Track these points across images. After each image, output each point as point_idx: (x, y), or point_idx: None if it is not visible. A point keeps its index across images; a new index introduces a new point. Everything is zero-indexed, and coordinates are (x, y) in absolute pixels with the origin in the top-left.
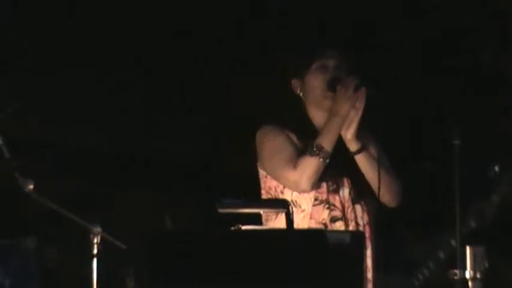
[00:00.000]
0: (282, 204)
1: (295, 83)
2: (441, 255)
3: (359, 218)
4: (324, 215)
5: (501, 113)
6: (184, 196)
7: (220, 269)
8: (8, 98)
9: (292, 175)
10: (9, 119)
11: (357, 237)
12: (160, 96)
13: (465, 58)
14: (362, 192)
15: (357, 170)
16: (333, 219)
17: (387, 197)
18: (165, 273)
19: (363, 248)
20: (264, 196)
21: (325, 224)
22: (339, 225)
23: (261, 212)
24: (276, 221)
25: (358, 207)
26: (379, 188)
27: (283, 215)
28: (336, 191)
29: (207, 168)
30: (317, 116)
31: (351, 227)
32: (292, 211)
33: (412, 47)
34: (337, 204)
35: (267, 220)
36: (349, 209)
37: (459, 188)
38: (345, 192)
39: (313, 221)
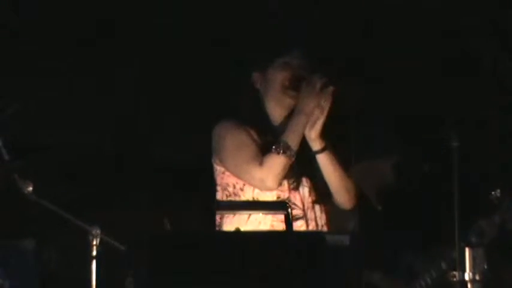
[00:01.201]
0: (281, 206)
1: (256, 76)
2: (443, 265)
3: (318, 217)
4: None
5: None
6: (183, 198)
7: (219, 271)
8: (7, 99)
9: (258, 172)
10: (8, 120)
11: (356, 239)
12: (158, 98)
13: (465, 59)
14: (322, 192)
15: (316, 169)
16: (294, 218)
17: (346, 197)
18: (164, 275)
19: (362, 250)
20: (221, 193)
21: None
22: (300, 224)
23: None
24: (234, 221)
25: (317, 207)
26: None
27: (241, 215)
28: (296, 190)
29: (206, 170)
30: (275, 112)
31: (311, 227)
32: (292, 213)
33: (411, 48)
34: (298, 203)
35: (221, 218)
36: (309, 209)
37: (458, 190)
38: (305, 191)
39: (275, 219)
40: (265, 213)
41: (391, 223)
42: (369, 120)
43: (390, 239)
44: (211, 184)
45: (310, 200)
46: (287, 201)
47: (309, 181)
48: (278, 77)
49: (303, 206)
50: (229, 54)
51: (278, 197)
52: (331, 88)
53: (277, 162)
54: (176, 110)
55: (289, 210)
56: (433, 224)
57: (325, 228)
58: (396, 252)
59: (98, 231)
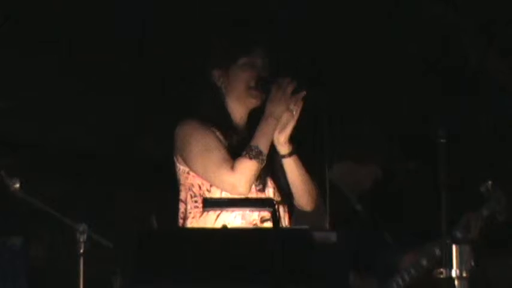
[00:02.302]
0: (267, 204)
1: (217, 73)
2: (424, 263)
3: (282, 218)
4: (254, 215)
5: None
6: (170, 195)
7: (206, 268)
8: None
9: (230, 177)
10: None
11: (343, 236)
12: (146, 96)
13: (451, 57)
14: (285, 193)
15: (278, 170)
16: (262, 220)
17: (308, 200)
18: (151, 272)
19: (350, 247)
20: (184, 193)
21: (255, 225)
22: (268, 226)
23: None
24: (200, 221)
25: (280, 207)
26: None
27: (209, 213)
28: (262, 191)
29: None
30: (236, 110)
31: None
32: (279, 210)
33: (397, 47)
34: None
35: (184, 219)
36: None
37: (445, 187)
38: (270, 192)
39: (244, 221)
40: (252, 210)
41: (371, 221)
42: (353, 119)
43: (368, 238)
44: None
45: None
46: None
47: (273, 182)
48: (242, 76)
49: None
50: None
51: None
52: (302, 92)
53: (249, 167)
54: (161, 109)
55: (276, 207)
56: (416, 221)
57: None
58: (373, 251)
59: (85, 228)
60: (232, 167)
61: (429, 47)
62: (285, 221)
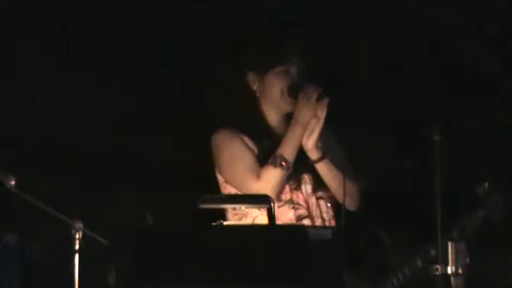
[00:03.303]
0: (263, 200)
1: (252, 77)
2: (419, 263)
3: (324, 213)
4: (289, 215)
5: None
6: (166, 192)
7: (202, 265)
8: None
9: (255, 185)
10: None
11: (338, 232)
12: (145, 95)
13: (446, 55)
14: (323, 186)
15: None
16: (299, 218)
17: (347, 201)
18: (146, 269)
19: (344, 243)
20: None
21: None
22: (306, 223)
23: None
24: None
25: (322, 202)
26: (344, 195)
27: (249, 216)
28: (299, 189)
29: (189, 166)
30: (271, 115)
31: (317, 224)
32: (274, 206)
33: (392, 44)
34: (301, 202)
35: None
36: (314, 206)
37: (440, 184)
38: (307, 188)
39: (279, 222)
40: (248, 207)
41: (367, 220)
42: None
43: (362, 236)
44: (193, 180)
45: (314, 197)
46: (291, 202)
47: (310, 177)
48: (277, 84)
49: (307, 204)
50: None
51: (280, 200)
52: (327, 99)
53: (274, 175)
54: (161, 109)
55: (272, 204)
56: (411, 220)
57: (332, 223)
58: (368, 250)
59: (81, 225)
60: (258, 175)
61: (425, 46)
62: (328, 216)
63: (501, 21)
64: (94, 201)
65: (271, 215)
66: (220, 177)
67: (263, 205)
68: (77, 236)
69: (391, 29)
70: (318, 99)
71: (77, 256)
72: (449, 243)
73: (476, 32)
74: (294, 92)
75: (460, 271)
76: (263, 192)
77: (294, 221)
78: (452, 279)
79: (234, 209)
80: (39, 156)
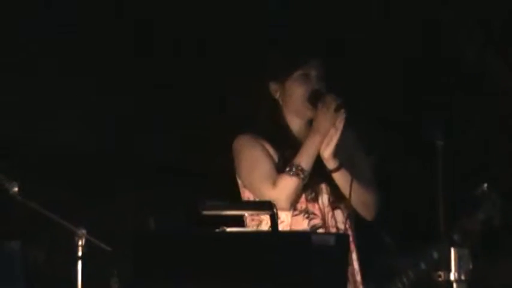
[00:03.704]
0: (266, 206)
1: (273, 86)
2: (422, 266)
3: (340, 223)
4: (304, 224)
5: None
6: (169, 198)
7: (204, 271)
8: None
9: (271, 193)
10: None
11: (341, 239)
12: (146, 98)
13: (449, 57)
14: (340, 196)
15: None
16: (314, 228)
17: (363, 210)
18: (150, 275)
19: (347, 250)
20: None
21: None
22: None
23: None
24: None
25: (338, 212)
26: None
27: (264, 223)
28: (315, 199)
29: (192, 170)
30: (294, 123)
31: None
32: (277, 213)
33: (394, 46)
34: (317, 212)
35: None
36: (329, 215)
37: (442, 189)
38: (324, 199)
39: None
40: (251, 214)
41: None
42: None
43: (366, 240)
44: (196, 184)
45: (330, 207)
46: (306, 212)
47: (327, 187)
48: (298, 89)
49: (322, 214)
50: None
51: (295, 209)
52: (344, 109)
53: (289, 184)
54: (163, 110)
55: (275, 210)
56: (414, 224)
57: (349, 232)
58: (372, 253)
59: (84, 232)
60: (274, 183)
61: (428, 45)
62: (344, 225)
63: (503, 21)
64: (97, 207)
65: (274, 222)
66: (239, 182)
67: (266, 212)
68: (80, 243)
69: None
70: (337, 109)
71: (80, 263)
72: (452, 249)
73: (479, 31)
74: (314, 98)
75: (462, 277)
76: (278, 200)
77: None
78: (455, 285)
79: (252, 214)
80: (42, 163)
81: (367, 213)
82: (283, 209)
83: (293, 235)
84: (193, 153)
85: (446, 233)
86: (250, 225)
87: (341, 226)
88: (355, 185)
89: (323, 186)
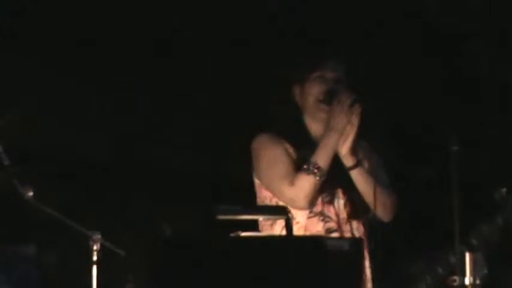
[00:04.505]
0: (281, 211)
1: (295, 89)
2: (439, 270)
3: (354, 229)
4: (318, 227)
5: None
6: (184, 203)
7: (219, 275)
8: (7, 104)
9: (289, 192)
10: (8, 126)
11: (355, 244)
12: (161, 104)
13: (464, 65)
14: (359, 207)
15: (351, 181)
16: (328, 231)
17: (381, 212)
18: (165, 280)
19: (362, 254)
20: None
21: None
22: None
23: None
24: (273, 229)
25: (353, 221)
26: (375, 204)
27: (279, 222)
28: (331, 203)
29: (206, 175)
30: (311, 126)
31: None
32: (292, 218)
33: (409, 52)
34: (332, 215)
35: (261, 230)
36: (344, 220)
37: (457, 194)
38: (340, 203)
39: (308, 233)
40: (266, 218)
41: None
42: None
43: (388, 243)
44: (210, 189)
45: (345, 213)
46: (321, 214)
47: (345, 193)
48: (313, 90)
49: (338, 219)
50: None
51: (310, 211)
52: (359, 104)
53: (307, 182)
54: (176, 117)
55: (290, 215)
56: (431, 228)
57: (363, 239)
58: (393, 257)
59: (99, 237)
60: (292, 182)
61: (442, 53)
62: (359, 232)
63: None
64: (112, 212)
65: (288, 226)
66: (257, 181)
67: (280, 216)
68: (95, 248)
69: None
70: (351, 105)
71: (94, 267)
72: (467, 254)
73: (494, 41)
74: (329, 98)
75: (477, 282)
76: (296, 198)
77: (323, 233)
78: None
79: (264, 202)
80: (57, 168)
81: (384, 214)
82: (301, 208)
83: (307, 240)
84: (208, 156)
85: (463, 238)
86: (265, 225)
87: (355, 233)
88: (372, 184)
89: (339, 191)
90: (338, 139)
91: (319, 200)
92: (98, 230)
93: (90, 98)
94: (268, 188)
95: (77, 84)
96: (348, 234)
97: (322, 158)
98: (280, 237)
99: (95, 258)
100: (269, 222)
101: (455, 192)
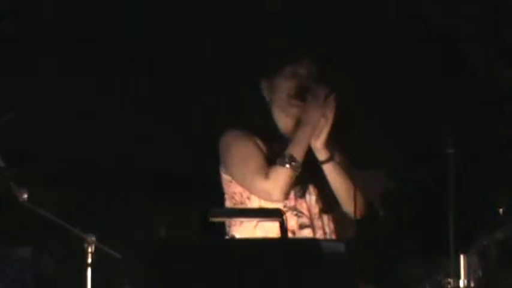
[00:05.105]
0: (275, 213)
1: (264, 84)
2: (438, 277)
3: (325, 225)
4: (292, 222)
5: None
6: (179, 205)
7: (215, 278)
8: (4, 106)
9: (263, 185)
10: (4, 128)
11: (351, 246)
12: (155, 106)
13: (460, 66)
14: (329, 201)
15: (323, 178)
16: (301, 226)
17: (351, 207)
18: (160, 282)
19: (356, 257)
20: (228, 202)
21: (293, 232)
22: (307, 233)
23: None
24: (241, 228)
25: (324, 215)
26: (355, 197)
27: (248, 223)
28: (303, 198)
29: (200, 176)
30: (282, 121)
31: (318, 235)
32: (286, 220)
33: (406, 54)
34: (304, 211)
35: (229, 227)
36: (316, 216)
37: (453, 197)
38: (312, 199)
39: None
40: (260, 221)
41: (389, 230)
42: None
43: (388, 248)
44: (205, 190)
45: (317, 208)
46: (294, 209)
47: (316, 189)
48: (284, 85)
49: (310, 214)
50: (236, 61)
51: (284, 206)
52: (334, 95)
53: (282, 175)
54: (171, 119)
55: (284, 217)
56: (432, 232)
57: (333, 236)
58: (393, 261)
59: (93, 239)
60: (267, 175)
61: (440, 56)
62: (329, 229)
63: None
64: (107, 214)
65: (283, 229)
66: (226, 176)
67: (275, 218)
68: (90, 250)
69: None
70: (325, 98)
71: (89, 270)
72: (462, 256)
73: (491, 40)
74: (301, 92)
75: (472, 284)
76: (271, 191)
77: (295, 229)
78: None
79: (233, 197)
80: (52, 170)
81: (355, 209)
82: (276, 201)
83: (303, 242)
84: (203, 159)
85: (456, 242)
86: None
87: (327, 229)
88: (346, 180)
89: (311, 186)
90: (312, 132)
91: (292, 194)
92: (92, 232)
93: (85, 100)
94: (241, 183)
95: (72, 86)
96: (319, 230)
97: (297, 151)
98: (275, 239)
99: (89, 260)
100: (239, 222)
101: (452, 195)
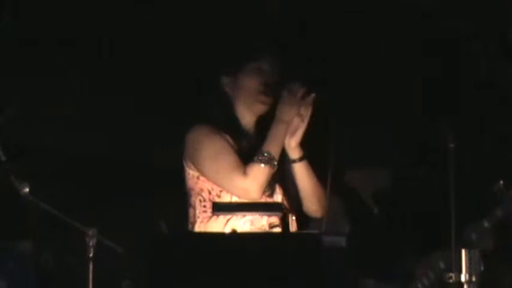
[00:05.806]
0: (277, 208)
1: (226, 80)
2: (442, 265)
3: (290, 224)
4: (263, 221)
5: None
6: (179, 200)
7: (216, 272)
8: (5, 101)
9: (242, 182)
10: (5, 122)
11: (351, 240)
12: (155, 101)
13: (462, 62)
14: (294, 202)
15: (287, 177)
16: (271, 226)
17: (316, 206)
18: (162, 276)
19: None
20: (194, 198)
21: (264, 231)
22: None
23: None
24: (208, 225)
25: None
26: (327, 195)
27: (218, 218)
28: (271, 197)
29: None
30: (245, 116)
31: None
32: (288, 214)
33: (407, 50)
34: None
35: (195, 222)
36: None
37: (454, 191)
38: (279, 198)
39: (253, 227)
40: (261, 216)
41: (389, 226)
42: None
43: (388, 242)
44: None
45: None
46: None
47: (281, 188)
48: (250, 82)
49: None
50: (200, 57)
51: None
52: (312, 96)
53: (261, 172)
54: (172, 114)
55: (286, 211)
56: (431, 226)
57: None
58: (393, 256)
59: (95, 233)
60: (245, 172)
61: (440, 53)
62: (292, 228)
63: None
64: (108, 208)
65: (285, 223)
66: (192, 172)
67: (277, 213)
68: (91, 244)
69: (403, 35)
70: (303, 97)
71: (91, 263)
72: (463, 251)
73: (493, 40)
74: (271, 89)
75: (473, 279)
76: (250, 189)
77: (266, 228)
78: (465, 286)
79: (200, 194)
80: (53, 164)
81: (318, 209)
82: (254, 199)
83: (303, 236)
84: None
85: (460, 234)
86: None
87: (291, 227)
88: (314, 180)
89: (277, 186)
90: (287, 129)
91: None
92: (94, 226)
93: (86, 93)
94: (214, 180)
95: (73, 80)
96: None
97: (273, 148)
98: (276, 234)
99: (91, 254)
100: (206, 219)
101: (452, 190)
